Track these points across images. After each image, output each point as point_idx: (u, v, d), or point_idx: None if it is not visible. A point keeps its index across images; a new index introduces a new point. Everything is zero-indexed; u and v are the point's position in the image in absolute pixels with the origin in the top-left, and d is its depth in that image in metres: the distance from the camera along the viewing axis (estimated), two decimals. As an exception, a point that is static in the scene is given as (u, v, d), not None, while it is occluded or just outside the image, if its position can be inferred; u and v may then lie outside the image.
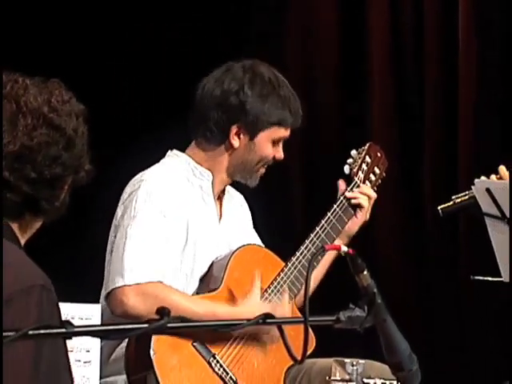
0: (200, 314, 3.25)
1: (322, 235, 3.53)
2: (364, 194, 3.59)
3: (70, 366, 2.26)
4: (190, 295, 3.38)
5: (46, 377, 2.20)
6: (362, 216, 3.57)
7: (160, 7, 4.97)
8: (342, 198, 3.58)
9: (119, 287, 3.25)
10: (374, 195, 3.62)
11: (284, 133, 3.55)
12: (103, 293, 3.41)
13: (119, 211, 3.43)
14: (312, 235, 3.53)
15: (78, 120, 2.40)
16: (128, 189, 3.45)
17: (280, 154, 3.58)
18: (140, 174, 3.48)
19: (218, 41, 4.74)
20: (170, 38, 4.92)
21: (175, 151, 3.58)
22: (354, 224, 3.59)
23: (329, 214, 3.56)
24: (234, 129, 3.51)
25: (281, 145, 3.57)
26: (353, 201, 3.57)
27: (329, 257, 3.57)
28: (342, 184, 3.63)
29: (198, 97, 3.54)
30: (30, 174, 2.30)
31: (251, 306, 3.36)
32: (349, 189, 3.61)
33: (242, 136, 3.52)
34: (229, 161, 3.54)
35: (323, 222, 3.55)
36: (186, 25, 4.92)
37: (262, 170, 3.58)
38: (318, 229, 3.54)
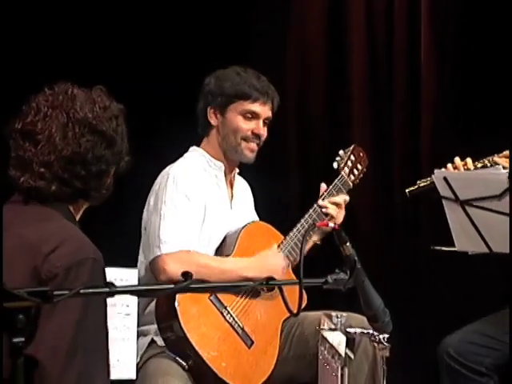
0: (227, 269, 3.29)
1: (315, 215, 3.53)
2: (333, 204, 3.53)
3: (107, 324, 2.26)
4: (215, 257, 3.38)
5: (90, 331, 2.21)
6: (333, 221, 3.46)
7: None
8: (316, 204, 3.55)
9: (158, 256, 3.26)
10: (343, 201, 3.55)
11: (250, 106, 3.47)
12: (142, 260, 3.43)
13: (152, 197, 3.42)
14: (303, 219, 3.52)
15: (117, 121, 2.39)
16: (159, 179, 3.44)
17: (258, 128, 3.48)
18: (168, 167, 3.47)
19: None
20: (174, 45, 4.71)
21: (194, 147, 3.57)
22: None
23: (310, 211, 3.54)
24: (209, 111, 3.51)
25: (260, 122, 3.49)
26: (323, 210, 3.53)
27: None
28: (323, 187, 3.59)
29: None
30: (80, 172, 2.31)
31: (266, 256, 3.41)
32: (334, 183, 3.60)
33: (217, 115, 3.51)
34: (218, 141, 3.53)
35: (315, 204, 3.54)
36: (189, 36, 4.73)
37: (244, 144, 3.49)
38: (310, 210, 3.53)
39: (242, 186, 3.70)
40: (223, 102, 3.48)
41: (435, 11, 4.67)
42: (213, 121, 3.51)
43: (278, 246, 3.48)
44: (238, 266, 3.34)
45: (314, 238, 3.57)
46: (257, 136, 3.51)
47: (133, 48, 4.60)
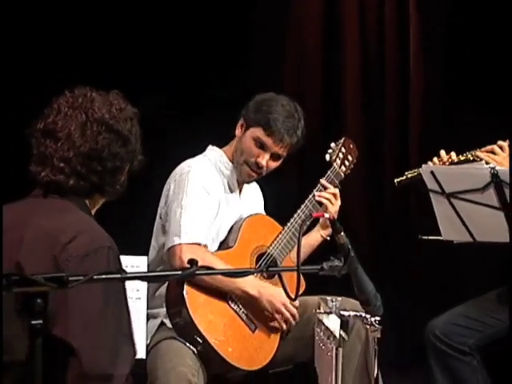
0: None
1: (310, 206, 3.53)
2: (330, 194, 3.52)
3: (127, 304, 2.27)
4: (219, 260, 3.30)
5: (113, 312, 2.21)
6: (328, 212, 3.44)
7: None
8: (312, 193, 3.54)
9: (177, 245, 3.25)
10: (338, 192, 3.54)
11: (263, 137, 3.39)
12: (154, 244, 3.43)
13: (171, 186, 3.39)
14: (299, 210, 3.51)
15: (131, 122, 2.40)
16: (178, 171, 3.42)
17: (261, 158, 3.40)
18: (188, 160, 3.46)
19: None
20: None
21: (214, 147, 3.55)
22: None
23: (314, 191, 3.55)
24: (239, 122, 3.50)
25: (266, 154, 3.40)
26: (317, 198, 3.51)
27: (314, 243, 3.57)
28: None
29: None
30: (96, 167, 2.32)
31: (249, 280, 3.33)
32: (327, 174, 3.59)
33: (242, 129, 3.48)
34: (234, 150, 3.50)
35: (310, 196, 3.54)
36: (189, 37, 4.65)
37: (245, 167, 3.44)
38: (305, 201, 3.53)
39: (253, 186, 3.67)
40: (250, 122, 3.45)
41: (423, 19, 4.67)
42: (238, 131, 3.49)
43: (277, 236, 3.47)
44: (232, 280, 3.26)
45: (323, 233, 3.56)
46: (258, 166, 3.44)
47: (132, 48, 4.55)
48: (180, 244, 3.25)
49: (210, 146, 3.56)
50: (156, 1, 4.66)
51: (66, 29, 4.45)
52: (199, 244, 3.28)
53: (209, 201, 3.37)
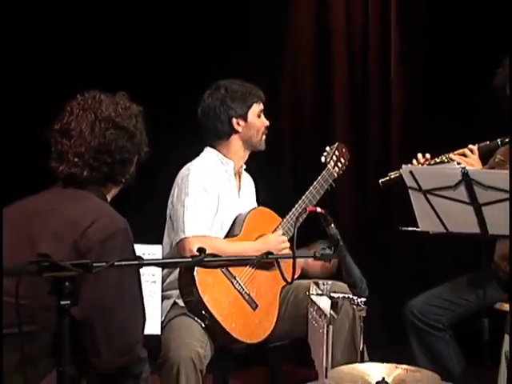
0: (236, 251, 3.28)
1: (306, 201, 3.52)
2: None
3: (141, 289, 2.27)
4: (227, 241, 3.36)
5: (129, 296, 2.21)
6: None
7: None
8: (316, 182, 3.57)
9: (184, 238, 3.26)
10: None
11: (260, 107, 3.52)
12: (167, 241, 3.43)
13: (176, 189, 3.41)
14: (297, 204, 3.51)
15: (136, 119, 2.42)
16: (180, 174, 3.44)
17: (266, 122, 3.54)
18: (188, 164, 3.47)
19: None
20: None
21: (209, 148, 3.56)
22: None
23: (310, 188, 3.56)
24: (234, 121, 3.50)
25: (262, 115, 3.53)
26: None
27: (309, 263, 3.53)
28: None
29: (203, 111, 3.52)
30: (106, 159, 2.33)
31: (266, 238, 3.40)
32: (322, 174, 3.60)
33: (241, 123, 3.50)
34: (242, 142, 3.52)
35: (307, 192, 3.55)
36: (189, 37, 4.58)
37: (264, 137, 3.54)
38: (302, 197, 3.53)
39: (247, 179, 3.69)
40: (244, 111, 3.49)
41: (403, 35, 4.64)
42: (239, 128, 3.50)
43: (277, 227, 3.47)
44: (242, 248, 3.32)
45: (320, 270, 3.48)
46: (267, 128, 3.56)
47: (131, 48, 4.45)
48: (186, 237, 3.25)
49: (206, 148, 3.56)
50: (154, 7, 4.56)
51: (66, 28, 4.34)
52: (202, 235, 3.28)
53: (208, 199, 3.37)
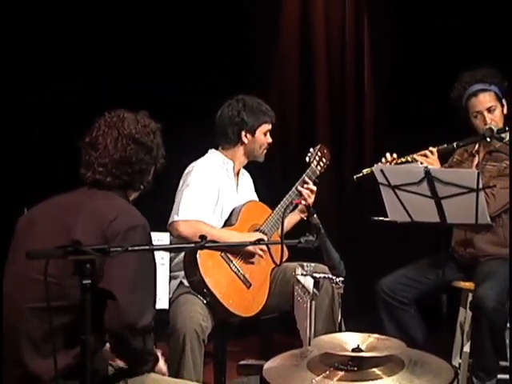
0: (222, 237, 3.22)
1: (293, 195, 3.50)
2: (308, 189, 3.50)
3: (156, 272, 2.27)
4: (215, 227, 3.31)
5: (144, 279, 2.21)
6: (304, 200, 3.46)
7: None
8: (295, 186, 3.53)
9: (174, 221, 3.23)
10: (315, 189, 3.53)
11: (268, 127, 3.49)
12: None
13: (181, 183, 3.39)
14: (285, 198, 3.49)
15: (154, 135, 2.41)
16: (187, 171, 3.43)
17: (270, 140, 3.51)
18: (194, 162, 3.45)
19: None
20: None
21: (213, 150, 3.53)
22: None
23: (296, 184, 3.54)
24: (243, 134, 3.48)
25: (268, 134, 3.51)
26: (299, 188, 3.50)
27: (294, 222, 3.53)
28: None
29: (220, 117, 3.50)
30: (127, 169, 2.34)
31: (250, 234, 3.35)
32: (306, 171, 3.56)
33: (248, 136, 3.49)
34: (244, 151, 3.50)
35: (293, 187, 3.52)
36: (189, 38, 4.42)
37: (263, 152, 3.54)
38: (290, 192, 3.51)
39: (245, 176, 3.66)
40: (254, 127, 3.47)
41: (374, 54, 4.65)
42: (245, 140, 3.48)
43: (268, 217, 3.45)
44: (228, 236, 3.27)
45: (301, 215, 3.54)
46: (269, 145, 3.54)
47: (131, 48, 4.28)
48: (177, 220, 3.22)
49: (210, 150, 3.54)
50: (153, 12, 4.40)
51: (66, 28, 4.14)
52: (196, 220, 3.24)
53: (207, 192, 3.34)
